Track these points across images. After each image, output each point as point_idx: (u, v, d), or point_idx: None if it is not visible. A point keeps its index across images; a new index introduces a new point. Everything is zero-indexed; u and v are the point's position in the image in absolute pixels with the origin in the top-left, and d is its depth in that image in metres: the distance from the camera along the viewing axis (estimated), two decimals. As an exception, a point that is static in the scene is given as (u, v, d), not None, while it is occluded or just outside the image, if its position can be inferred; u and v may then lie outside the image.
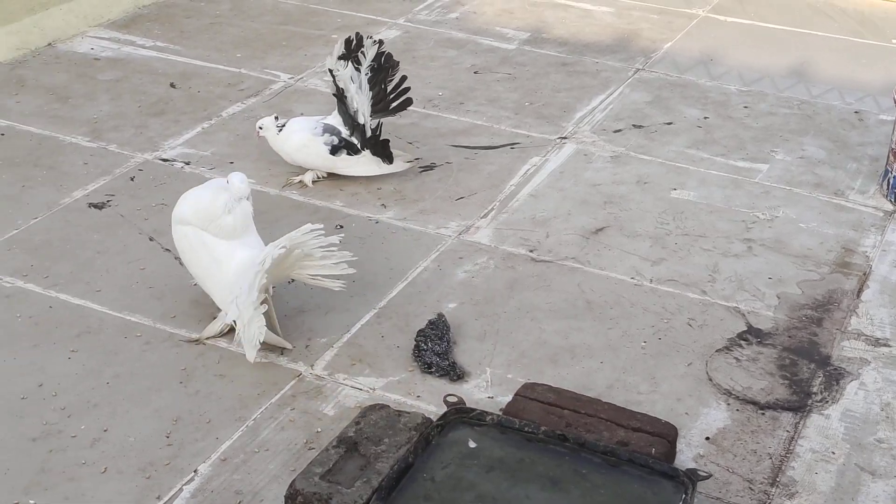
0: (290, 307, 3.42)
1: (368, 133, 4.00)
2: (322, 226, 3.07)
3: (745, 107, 4.81)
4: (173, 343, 3.24)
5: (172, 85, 4.77)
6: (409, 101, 4.10)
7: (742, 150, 4.47)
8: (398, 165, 4.12)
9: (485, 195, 4.10)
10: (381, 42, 3.98)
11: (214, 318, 3.28)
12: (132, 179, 4.06)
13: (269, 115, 4.13)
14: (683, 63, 5.22)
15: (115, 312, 3.36)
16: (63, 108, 4.54)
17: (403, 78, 4.07)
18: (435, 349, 3.21)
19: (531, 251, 3.77)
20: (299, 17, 5.56)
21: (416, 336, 3.27)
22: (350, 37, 3.97)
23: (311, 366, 3.18)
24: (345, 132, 4.02)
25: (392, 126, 4.51)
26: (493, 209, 4.01)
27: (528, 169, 4.28)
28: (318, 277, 3.16)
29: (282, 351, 3.22)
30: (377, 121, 4.00)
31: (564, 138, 4.52)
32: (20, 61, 4.93)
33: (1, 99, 4.59)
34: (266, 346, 3.20)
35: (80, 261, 3.60)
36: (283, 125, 4.00)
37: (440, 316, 3.35)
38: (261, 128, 4.05)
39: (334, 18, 5.56)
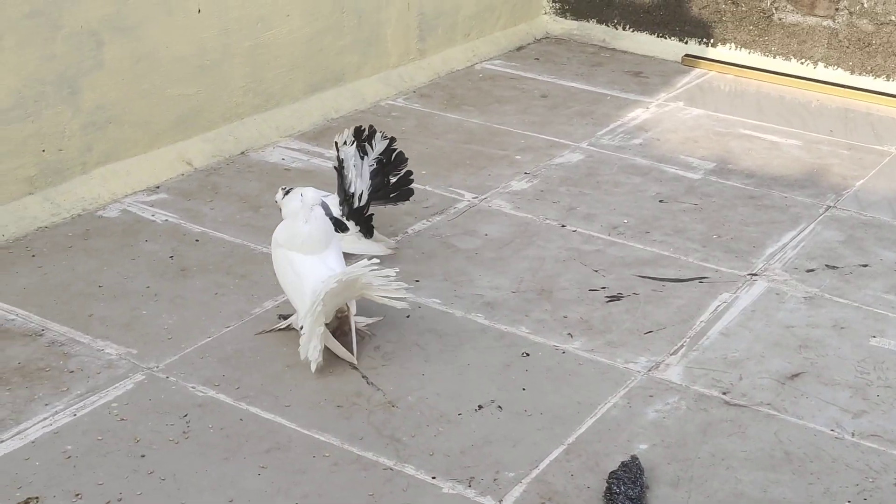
0: (476, 436, 3.36)
1: (356, 204, 4.23)
2: (378, 261, 3.46)
3: (946, 252, 4.61)
4: (361, 466, 3.21)
5: (360, 199, 4.84)
6: (410, 193, 4.38)
7: (944, 298, 4.27)
8: (379, 249, 4.28)
9: (674, 330, 3.99)
10: (392, 139, 4.29)
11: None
12: (321, 293, 4.10)
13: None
14: (876, 202, 5.05)
15: (304, 430, 3.35)
16: (255, 217, 4.64)
17: (409, 172, 4.33)
18: (628, 493, 3.09)
19: (724, 394, 3.64)
20: (483, 137, 5.61)
21: (609, 478, 3.16)
22: (361, 126, 4.28)
23: (500, 501, 3.10)
24: (336, 211, 4.20)
25: (577, 252, 4.47)
26: (682, 346, 3.90)
27: (718, 305, 4.17)
28: (385, 298, 3.53)
29: (469, 482, 3.16)
30: (367, 199, 4.27)
31: (755, 275, 4.39)
32: (214, 168, 5.08)
33: (196, 205, 4.72)
34: (454, 478, 3.16)
35: (270, 373, 3.62)
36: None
37: (633, 458, 3.24)
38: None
39: (517, 139, 5.59)
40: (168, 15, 4.89)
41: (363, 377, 3.62)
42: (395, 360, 3.73)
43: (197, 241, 4.44)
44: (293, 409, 3.45)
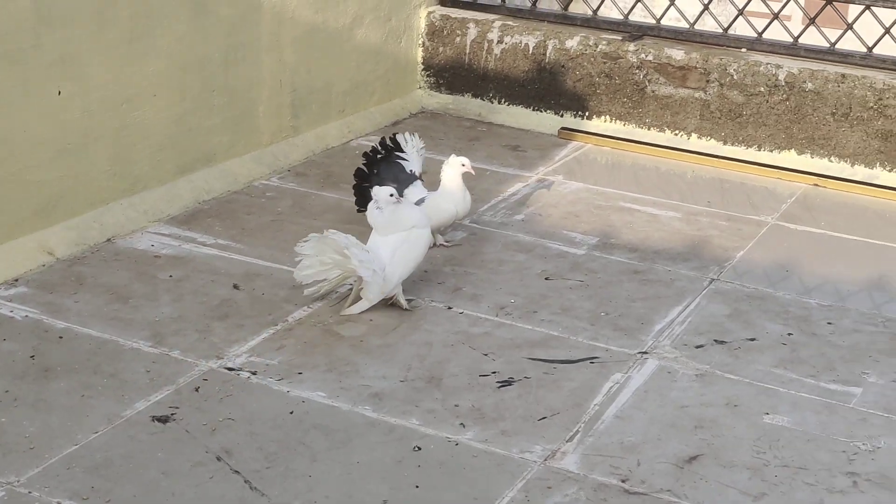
0: (369, 541, 3.19)
1: None
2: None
3: (829, 323, 4.64)
4: (247, 583, 3.00)
5: (236, 286, 4.64)
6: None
7: (832, 370, 4.28)
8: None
9: (568, 415, 3.89)
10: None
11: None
12: (197, 390, 3.88)
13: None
14: (758, 274, 5.08)
15: (183, 544, 3.13)
16: (123, 310, 4.40)
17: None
18: None
19: (623, 481, 3.55)
20: (362, 216, 5.46)
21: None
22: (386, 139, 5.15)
23: None
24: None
25: (465, 335, 4.36)
26: (578, 431, 3.80)
27: (612, 387, 4.09)
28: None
29: None
30: None
31: (645, 353, 4.34)
32: (79, 258, 4.82)
33: (59, 298, 4.45)
34: None
35: (144, 483, 3.38)
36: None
37: (536, 558, 3.11)
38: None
39: (397, 218, 5.46)
40: (24, 97, 4.64)
41: (246, 482, 3.41)
42: (279, 461, 3.54)
43: (61, 338, 4.17)
44: (170, 521, 3.22)
